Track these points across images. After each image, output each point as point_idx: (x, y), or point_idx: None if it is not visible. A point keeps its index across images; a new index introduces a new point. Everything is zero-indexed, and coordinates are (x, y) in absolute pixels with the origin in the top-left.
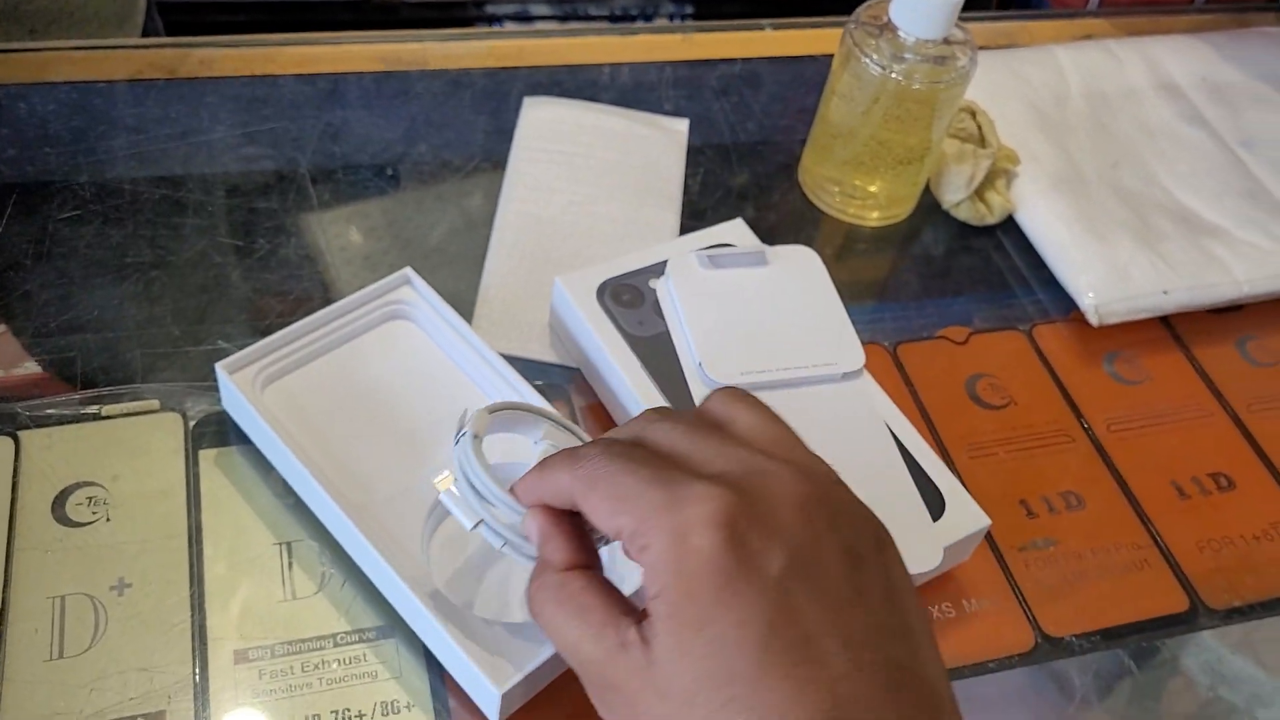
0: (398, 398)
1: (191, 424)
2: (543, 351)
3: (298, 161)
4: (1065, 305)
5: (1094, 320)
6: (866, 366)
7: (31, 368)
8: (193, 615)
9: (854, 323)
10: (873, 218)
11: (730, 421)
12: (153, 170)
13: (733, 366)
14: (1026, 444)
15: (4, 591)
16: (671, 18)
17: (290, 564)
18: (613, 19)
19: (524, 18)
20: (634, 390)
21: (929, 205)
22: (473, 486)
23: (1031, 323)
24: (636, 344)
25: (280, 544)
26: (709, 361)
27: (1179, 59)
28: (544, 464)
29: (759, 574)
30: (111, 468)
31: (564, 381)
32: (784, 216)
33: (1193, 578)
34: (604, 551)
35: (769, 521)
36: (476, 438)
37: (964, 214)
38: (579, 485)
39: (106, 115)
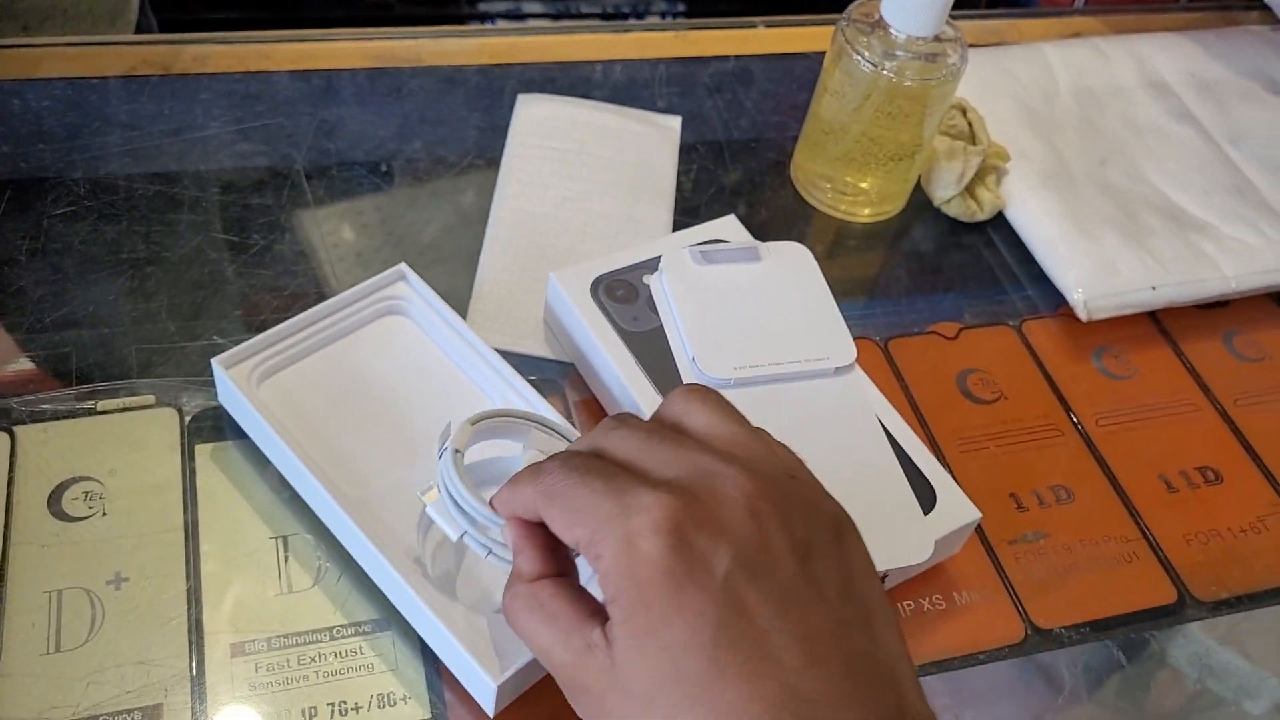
0: (393, 393)
1: (187, 419)
2: (537, 347)
3: (292, 158)
4: (1054, 301)
5: (1083, 316)
6: (858, 361)
7: (27, 363)
8: (189, 609)
9: (846, 318)
10: (864, 214)
11: (687, 421)
12: (147, 166)
13: (726, 361)
14: (1016, 438)
15: (1, 586)
16: (664, 15)
17: (286, 558)
18: (605, 17)
19: (516, 15)
20: (628, 385)
21: (920, 202)
22: (455, 500)
23: (1021, 318)
24: (630, 339)
25: (276, 538)
26: (702, 356)
27: (1167, 56)
28: (513, 479)
29: (707, 575)
30: (108, 462)
31: (558, 376)
32: (776, 213)
33: (1181, 570)
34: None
35: (715, 523)
36: (458, 452)
37: (954, 210)
38: (540, 500)
39: (101, 111)
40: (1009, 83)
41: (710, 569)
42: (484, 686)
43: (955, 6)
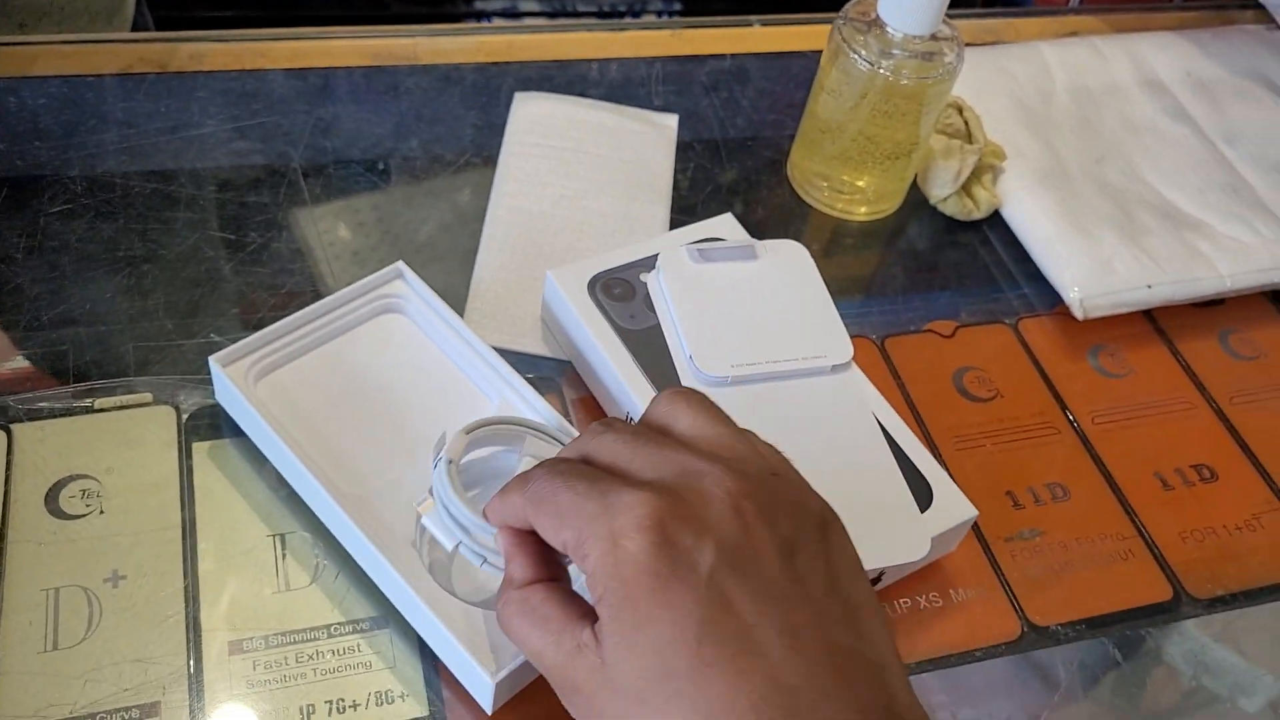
0: (390, 391)
1: (184, 417)
2: (535, 345)
3: (289, 156)
4: (1051, 299)
5: (1079, 314)
6: (855, 360)
7: (24, 361)
8: (187, 607)
9: (842, 316)
10: (861, 212)
11: (673, 424)
12: (144, 165)
13: (723, 359)
14: (1013, 436)
15: None
16: (659, 14)
17: (284, 556)
18: (601, 15)
19: (512, 14)
20: (625, 383)
21: (916, 200)
22: (449, 512)
23: (1017, 316)
24: (628, 337)
25: (274, 536)
26: (699, 354)
27: (1163, 55)
28: (503, 489)
29: (690, 572)
30: (105, 460)
31: (556, 374)
32: (773, 211)
33: (1176, 567)
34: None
35: (698, 520)
36: (452, 463)
37: (951, 209)
38: (528, 507)
39: (97, 109)
40: (1005, 81)
41: (694, 566)
42: (482, 684)
43: (951, 5)
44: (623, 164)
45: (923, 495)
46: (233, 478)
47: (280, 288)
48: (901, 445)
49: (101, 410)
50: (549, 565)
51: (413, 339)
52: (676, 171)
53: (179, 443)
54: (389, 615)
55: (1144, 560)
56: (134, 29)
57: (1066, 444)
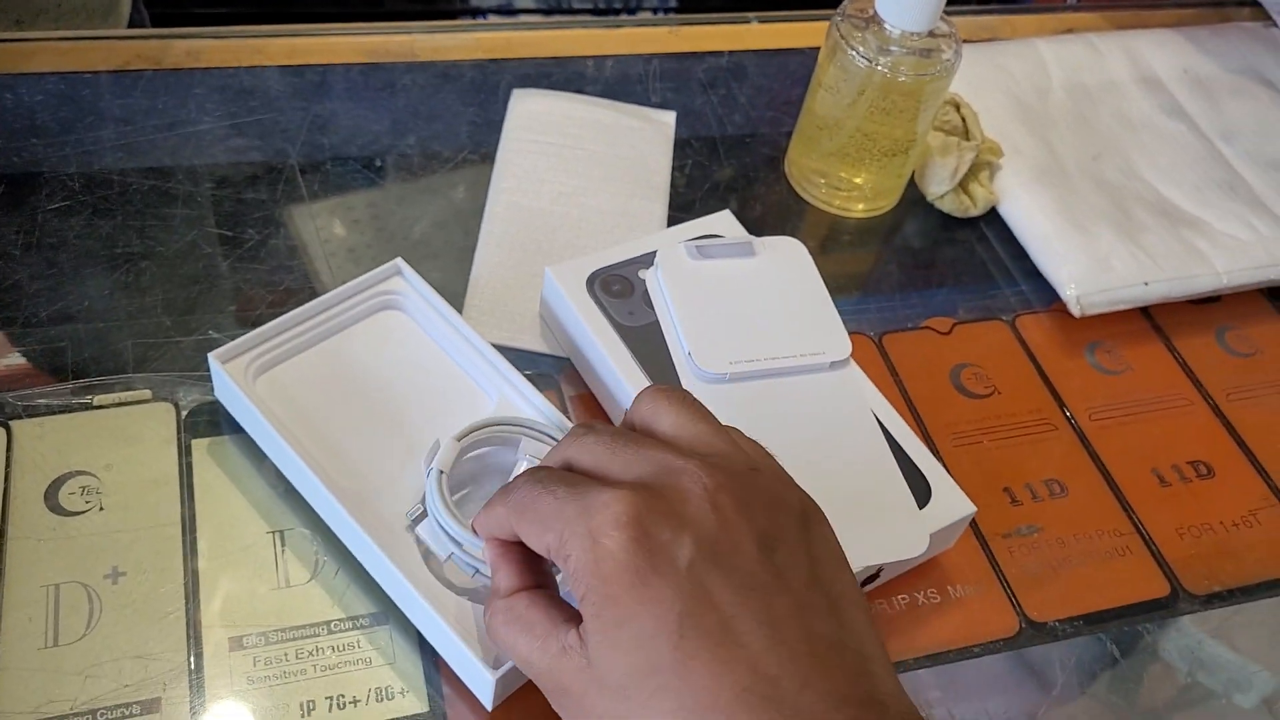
0: (389, 387)
1: (184, 413)
2: (533, 341)
3: (286, 153)
4: (1048, 296)
5: (1076, 311)
6: (852, 356)
7: (22, 358)
8: (187, 603)
9: (840, 313)
10: (858, 209)
11: (654, 424)
12: (141, 161)
13: (721, 356)
14: (1010, 432)
15: None
16: (655, 11)
17: (283, 552)
18: (596, 12)
19: (508, 10)
20: (624, 380)
21: (914, 197)
22: (439, 524)
23: (1014, 313)
24: (626, 334)
25: (273, 532)
26: (698, 351)
27: (1159, 52)
28: (489, 501)
29: (669, 566)
30: (104, 457)
31: (554, 371)
32: (770, 208)
33: (1173, 564)
34: None
35: (676, 516)
36: (443, 474)
37: (948, 206)
38: (511, 516)
39: (94, 106)
40: (1002, 78)
41: (673, 560)
42: (482, 680)
43: (949, 2)
44: (621, 161)
45: (921, 492)
46: (232, 474)
47: (278, 284)
48: (900, 442)
49: (100, 407)
50: (534, 574)
51: (411, 336)
52: (674, 168)
53: (178, 439)
54: (389, 611)
55: (1141, 557)
56: (130, 25)
57: (1064, 441)
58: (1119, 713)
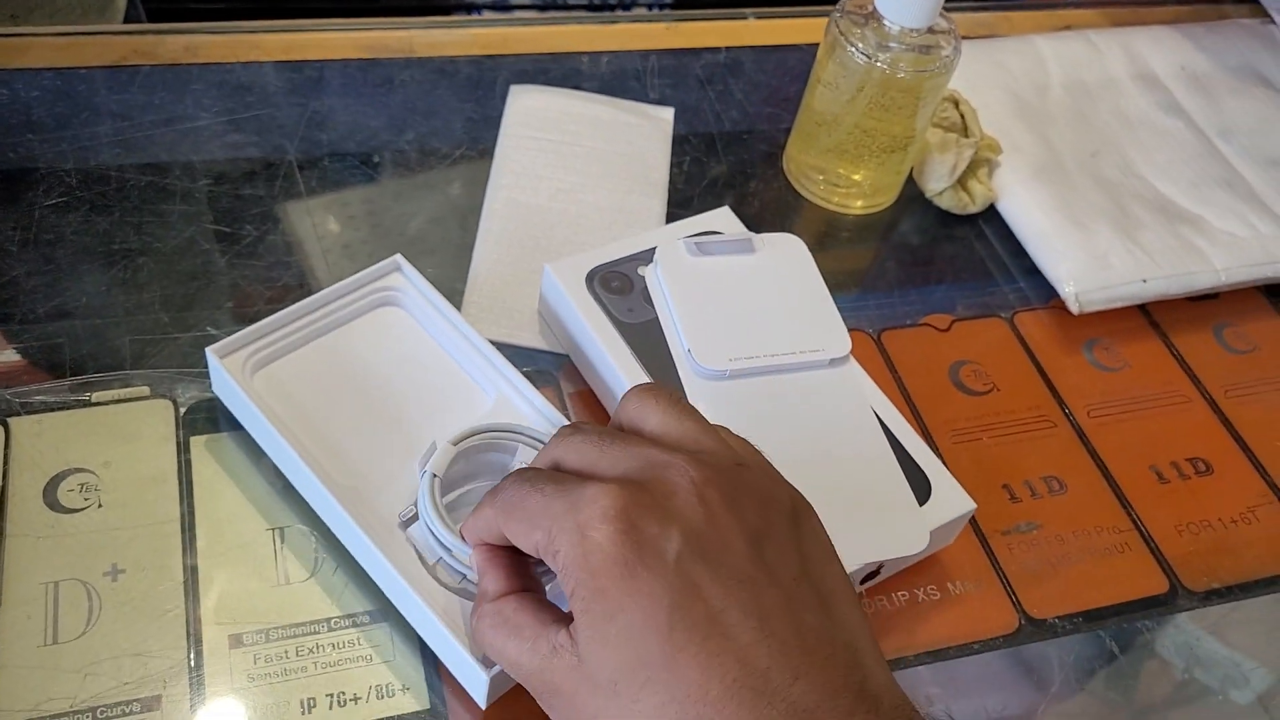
0: (387, 384)
1: (182, 410)
2: (532, 338)
3: (284, 149)
4: (1046, 293)
5: (1074, 308)
6: (851, 353)
7: (20, 355)
8: (186, 600)
9: (838, 310)
10: (857, 206)
11: (642, 422)
12: (138, 157)
13: (721, 353)
14: (1009, 429)
15: None
16: (649, 7)
17: (282, 549)
18: (591, 8)
19: (503, 6)
20: (623, 377)
21: (912, 194)
22: (429, 529)
23: (1013, 310)
24: (626, 331)
25: (272, 529)
26: (697, 348)
27: (1158, 49)
28: (477, 506)
29: (658, 559)
30: (102, 454)
31: (553, 368)
32: (768, 205)
33: (1172, 560)
34: None
35: (663, 509)
36: (436, 477)
37: (946, 203)
38: (499, 517)
39: (90, 102)
40: (1000, 75)
41: (661, 553)
42: (476, 678)
43: None
44: (619, 157)
45: (921, 488)
46: (231, 471)
47: (276, 281)
48: (899, 438)
49: (98, 404)
50: (522, 578)
51: (410, 332)
52: (672, 165)
53: (177, 436)
54: (388, 609)
55: (1140, 553)
56: (126, 21)
57: (1062, 437)
58: (1118, 710)
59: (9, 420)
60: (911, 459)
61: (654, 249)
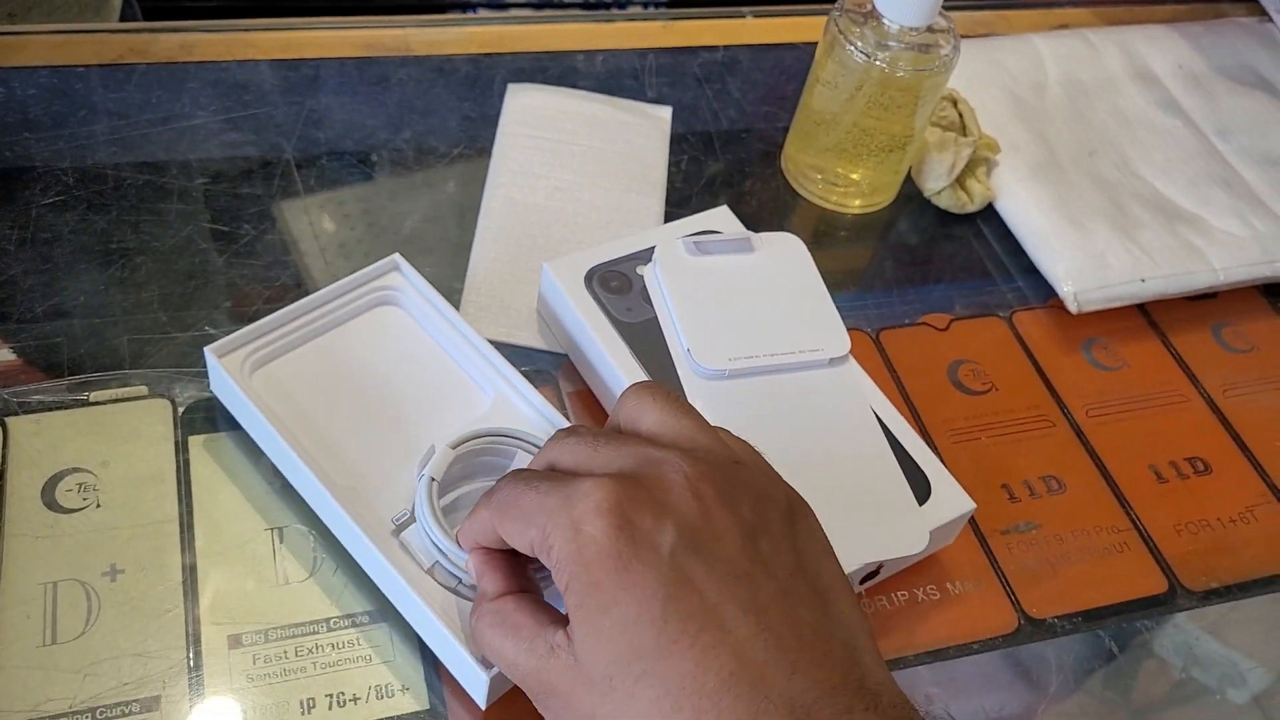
0: (386, 383)
1: (180, 410)
2: (530, 338)
3: (281, 148)
4: (1044, 292)
5: (1072, 308)
6: (850, 353)
7: (17, 354)
8: (185, 600)
9: (837, 310)
10: (855, 205)
11: (639, 422)
12: (135, 156)
13: (720, 352)
14: (1008, 429)
15: None
16: (646, 5)
17: (281, 549)
18: (587, 6)
19: (499, 4)
20: (622, 376)
21: (910, 193)
22: (425, 533)
23: (1012, 309)
24: (625, 330)
25: (271, 529)
26: (696, 347)
27: (1156, 48)
28: (473, 509)
29: (652, 552)
30: (101, 454)
31: (552, 368)
32: (766, 204)
33: (1171, 560)
34: None
35: (657, 504)
36: (434, 481)
37: (945, 202)
38: (494, 517)
39: (87, 100)
40: (998, 74)
41: (655, 546)
42: (476, 679)
43: None
44: (617, 156)
45: (920, 488)
46: (229, 471)
47: (274, 280)
48: (898, 438)
49: (97, 403)
50: (519, 579)
51: (408, 332)
52: (670, 164)
53: (175, 436)
54: (387, 609)
55: (1139, 553)
56: (121, 19)
57: (1061, 437)
58: (1115, 709)
59: (7, 420)
60: (911, 459)
61: (653, 248)
